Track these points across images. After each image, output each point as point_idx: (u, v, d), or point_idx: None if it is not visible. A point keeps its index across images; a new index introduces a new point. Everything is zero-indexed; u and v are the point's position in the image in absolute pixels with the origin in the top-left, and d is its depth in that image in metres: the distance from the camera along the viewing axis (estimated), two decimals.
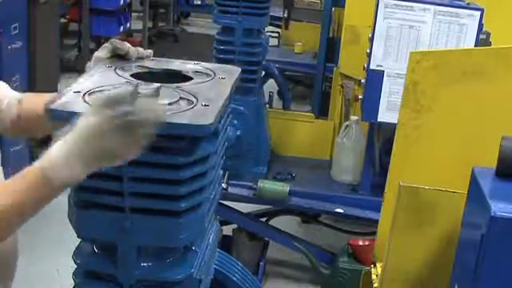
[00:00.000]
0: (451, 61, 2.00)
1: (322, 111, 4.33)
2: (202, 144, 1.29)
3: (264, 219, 3.79)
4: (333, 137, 3.84)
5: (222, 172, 1.55)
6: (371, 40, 3.01)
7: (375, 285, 2.09)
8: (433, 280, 1.96)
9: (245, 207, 3.67)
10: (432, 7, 2.92)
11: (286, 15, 5.84)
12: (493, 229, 1.39)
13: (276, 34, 6.53)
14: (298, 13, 6.10)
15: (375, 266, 2.19)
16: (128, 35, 7.45)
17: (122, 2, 7.10)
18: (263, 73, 4.07)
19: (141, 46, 6.61)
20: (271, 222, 3.79)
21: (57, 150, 1.19)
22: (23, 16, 4.24)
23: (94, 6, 6.69)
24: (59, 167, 1.19)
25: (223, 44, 3.40)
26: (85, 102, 1.26)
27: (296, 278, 3.82)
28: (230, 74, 1.55)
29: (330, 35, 4.53)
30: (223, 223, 3.48)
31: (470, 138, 2.00)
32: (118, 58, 1.52)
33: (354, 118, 3.53)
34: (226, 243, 3.44)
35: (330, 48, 4.39)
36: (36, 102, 1.53)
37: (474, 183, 1.59)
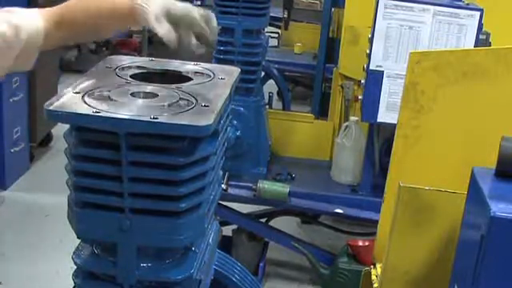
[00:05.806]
0: (451, 61, 2.00)
1: (321, 112, 4.33)
2: (202, 145, 1.29)
3: (264, 220, 3.79)
4: (332, 137, 3.84)
5: (221, 173, 1.55)
6: (371, 40, 3.01)
7: (375, 285, 2.09)
8: (433, 280, 1.96)
9: (245, 208, 3.67)
10: (431, 7, 2.91)
11: (285, 16, 5.83)
12: (493, 229, 1.39)
13: (276, 35, 6.53)
14: (298, 13, 6.10)
15: (375, 266, 2.19)
16: (128, 36, 7.45)
17: None
18: (263, 73, 4.07)
19: (140, 46, 6.57)
20: (271, 223, 3.78)
21: None
22: None
23: None
24: None
25: (223, 44, 3.40)
26: (84, 102, 1.27)
27: (296, 279, 3.82)
28: (229, 75, 1.55)
29: (330, 36, 4.53)
30: (223, 224, 3.48)
31: (470, 138, 2.00)
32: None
33: (353, 118, 3.52)
34: (225, 244, 3.44)
35: (330, 48, 4.39)
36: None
37: (473, 183, 1.59)
